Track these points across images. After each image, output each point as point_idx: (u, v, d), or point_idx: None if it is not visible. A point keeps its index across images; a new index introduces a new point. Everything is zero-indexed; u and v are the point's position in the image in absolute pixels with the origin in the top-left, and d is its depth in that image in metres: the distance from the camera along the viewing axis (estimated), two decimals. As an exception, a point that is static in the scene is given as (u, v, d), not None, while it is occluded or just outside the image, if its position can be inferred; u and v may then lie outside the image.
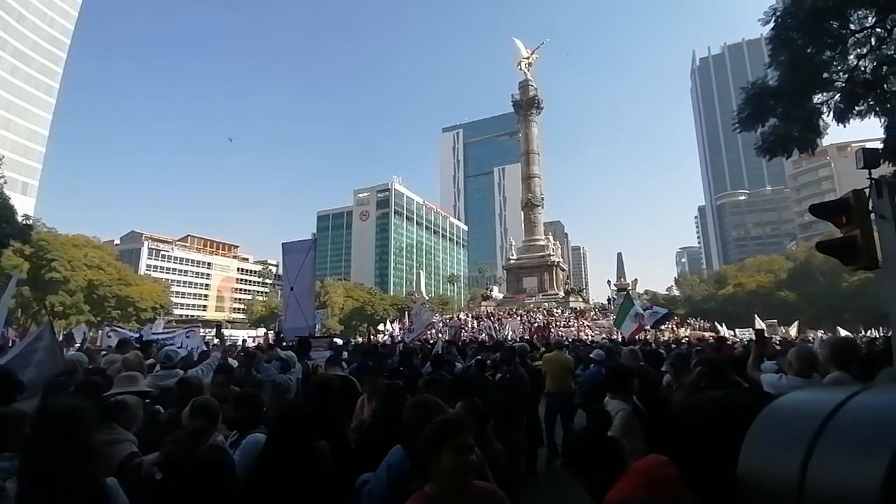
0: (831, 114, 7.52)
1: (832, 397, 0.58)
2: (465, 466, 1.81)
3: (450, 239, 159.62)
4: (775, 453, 0.60)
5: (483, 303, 38.37)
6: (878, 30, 6.95)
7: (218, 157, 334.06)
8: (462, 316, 34.95)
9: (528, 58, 42.00)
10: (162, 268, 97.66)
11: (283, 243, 8.05)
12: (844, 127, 7.59)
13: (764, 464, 0.61)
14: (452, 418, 2.05)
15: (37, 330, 5.55)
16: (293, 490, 2.34)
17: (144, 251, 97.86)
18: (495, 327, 25.26)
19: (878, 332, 25.09)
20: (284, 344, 6.77)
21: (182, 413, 2.73)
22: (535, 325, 26.91)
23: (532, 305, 33.10)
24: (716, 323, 31.67)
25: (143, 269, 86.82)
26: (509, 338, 19.22)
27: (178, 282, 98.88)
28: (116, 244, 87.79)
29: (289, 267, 7.68)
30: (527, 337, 19.49)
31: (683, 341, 18.23)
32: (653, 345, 13.27)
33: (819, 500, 0.51)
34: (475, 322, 29.15)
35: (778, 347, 6.72)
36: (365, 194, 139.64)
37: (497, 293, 40.79)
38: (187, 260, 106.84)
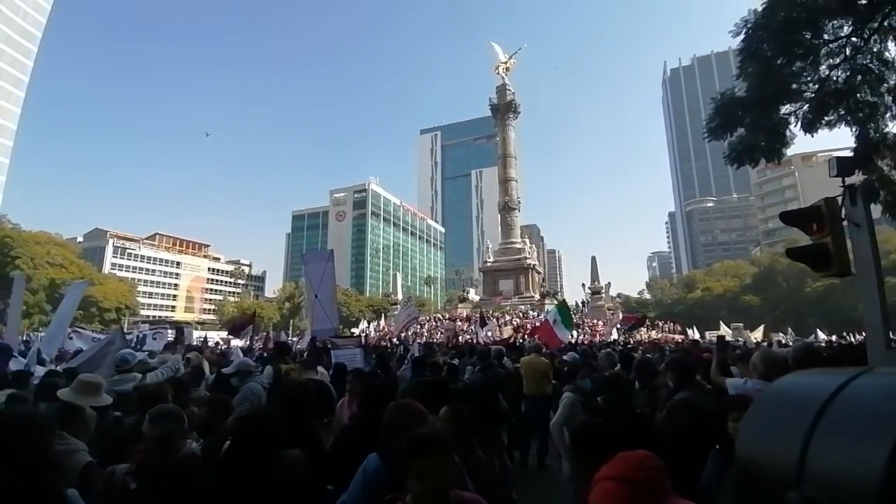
0: (799, 124, 7.75)
1: (832, 380, 0.58)
2: (431, 495, 1.73)
3: (427, 241, 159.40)
4: (775, 436, 0.60)
5: (460, 305, 38.38)
6: (853, 39, 7.12)
7: (189, 154, 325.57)
8: (444, 316, 34.92)
9: (505, 62, 42.32)
10: (128, 267, 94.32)
11: (303, 254, 9.24)
12: (812, 137, 7.83)
13: (763, 446, 0.61)
14: (424, 437, 1.87)
15: (109, 334, 6.29)
16: (255, 500, 2.22)
17: (109, 249, 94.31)
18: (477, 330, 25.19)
19: (852, 336, 25.97)
20: (319, 345, 7.35)
21: (143, 424, 2.59)
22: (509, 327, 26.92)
23: (508, 308, 33.30)
24: (686, 328, 32.53)
25: (107, 268, 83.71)
26: (496, 340, 19.13)
27: (146, 281, 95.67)
28: (79, 242, 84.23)
29: (311, 276, 8.15)
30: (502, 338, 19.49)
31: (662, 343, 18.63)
32: (626, 347, 13.48)
33: (819, 484, 0.51)
34: (469, 324, 28.95)
35: (737, 352, 6.94)
36: (341, 195, 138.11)
37: (473, 295, 40.85)
38: (155, 259, 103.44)
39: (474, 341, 16.29)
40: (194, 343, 14.62)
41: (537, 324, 27.76)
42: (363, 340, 12.96)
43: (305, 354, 7.00)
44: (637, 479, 1.71)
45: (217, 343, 19.91)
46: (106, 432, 3.10)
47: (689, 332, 29.92)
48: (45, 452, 1.75)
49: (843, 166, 3.56)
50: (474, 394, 5.38)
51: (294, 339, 21.14)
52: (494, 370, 6.04)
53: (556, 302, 35.27)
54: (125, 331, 6.39)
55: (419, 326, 30.29)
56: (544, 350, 9.00)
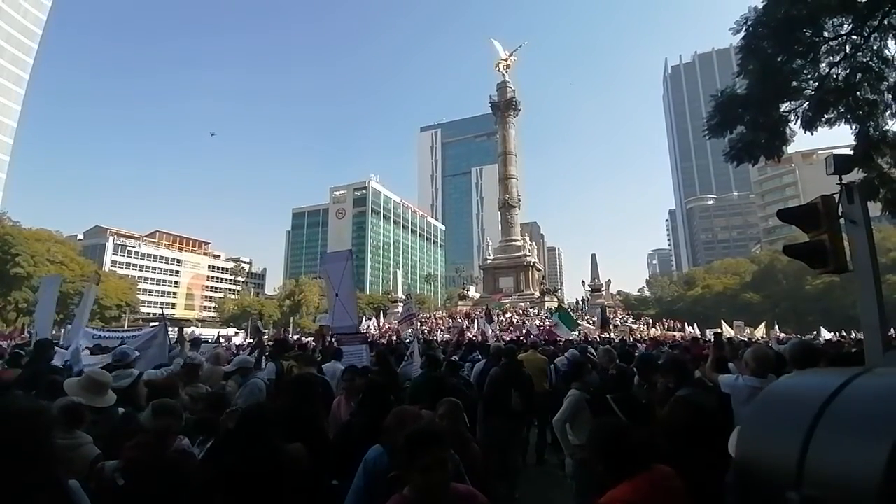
0: (799, 122, 7.75)
1: (831, 380, 0.58)
2: (435, 487, 1.75)
3: (427, 238, 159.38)
4: (774, 437, 0.60)
5: (460, 302, 38.44)
6: (853, 37, 7.11)
7: (189, 152, 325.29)
8: (442, 314, 34.94)
9: (506, 59, 42.25)
10: (128, 264, 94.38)
11: (322, 254, 9.86)
12: (812, 134, 7.84)
13: (762, 447, 0.61)
14: (425, 430, 1.91)
15: (153, 329, 6.08)
16: (253, 495, 2.24)
17: (109, 247, 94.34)
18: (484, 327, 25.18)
19: (851, 334, 25.88)
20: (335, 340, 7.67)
21: (142, 416, 2.61)
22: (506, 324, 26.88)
23: (508, 305, 33.34)
24: (686, 325, 32.52)
25: (107, 266, 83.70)
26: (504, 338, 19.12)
27: (146, 279, 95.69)
28: (80, 239, 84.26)
29: (331, 275, 8.47)
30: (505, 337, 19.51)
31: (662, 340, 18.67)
32: (627, 344, 13.51)
33: (818, 485, 0.51)
34: (468, 321, 28.93)
35: (739, 350, 6.96)
36: (342, 192, 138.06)
37: (474, 293, 40.91)
38: (155, 256, 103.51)
39: (479, 340, 16.32)
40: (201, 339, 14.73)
41: (538, 322, 27.93)
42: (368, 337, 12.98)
43: (319, 351, 7.09)
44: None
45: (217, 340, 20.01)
46: (116, 428, 3.10)
47: (689, 329, 29.89)
48: (48, 445, 1.74)
49: (839, 164, 3.57)
50: (489, 388, 5.45)
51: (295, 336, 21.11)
52: (512, 366, 5.97)
53: (556, 300, 35.40)
54: (168, 328, 6.41)
55: (419, 324, 30.32)
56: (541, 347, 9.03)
